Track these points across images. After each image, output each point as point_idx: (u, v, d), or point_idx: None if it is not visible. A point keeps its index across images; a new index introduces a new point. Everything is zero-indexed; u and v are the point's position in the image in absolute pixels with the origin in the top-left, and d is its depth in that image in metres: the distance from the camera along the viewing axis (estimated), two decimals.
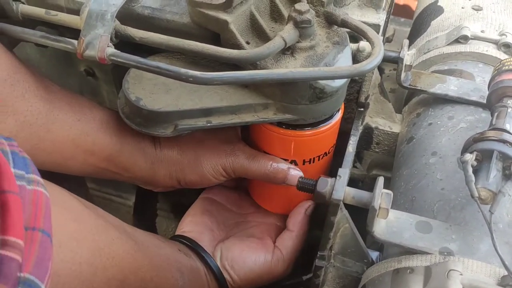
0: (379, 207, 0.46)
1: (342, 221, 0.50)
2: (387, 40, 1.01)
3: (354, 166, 0.83)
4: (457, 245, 0.48)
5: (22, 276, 0.30)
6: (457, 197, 0.53)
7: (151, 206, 0.99)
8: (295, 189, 0.60)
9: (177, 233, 0.67)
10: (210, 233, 0.67)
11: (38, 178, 0.35)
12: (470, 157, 0.47)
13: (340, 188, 0.46)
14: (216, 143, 0.62)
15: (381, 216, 0.47)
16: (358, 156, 0.84)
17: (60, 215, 0.40)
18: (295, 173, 0.60)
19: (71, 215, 0.44)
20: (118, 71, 0.67)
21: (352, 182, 0.81)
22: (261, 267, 0.64)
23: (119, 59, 0.51)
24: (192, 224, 0.67)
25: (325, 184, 0.47)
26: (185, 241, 0.64)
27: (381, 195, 0.46)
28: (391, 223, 0.49)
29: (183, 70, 0.49)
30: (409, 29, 0.99)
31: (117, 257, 0.48)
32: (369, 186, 0.83)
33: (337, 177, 0.47)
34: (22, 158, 0.35)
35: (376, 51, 0.52)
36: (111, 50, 0.51)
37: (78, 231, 0.44)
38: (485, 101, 0.62)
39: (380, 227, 0.48)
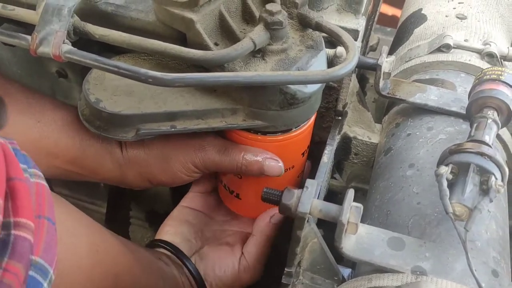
0: (348, 222, 0.43)
1: (310, 235, 0.47)
2: (371, 49, 0.99)
3: (333, 178, 0.80)
4: (430, 264, 0.44)
5: (33, 259, 0.32)
6: (433, 212, 0.50)
7: (123, 215, 0.96)
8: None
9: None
10: (187, 244, 0.65)
11: (39, 172, 0.37)
12: (445, 170, 0.44)
13: (306, 200, 0.43)
14: (183, 139, 0.58)
15: (350, 231, 0.44)
16: (338, 168, 0.81)
17: (57, 211, 0.40)
18: (273, 164, 0.57)
19: (68, 212, 0.46)
20: None
21: (331, 194, 0.79)
22: (230, 276, 0.63)
23: (75, 57, 0.48)
24: (170, 235, 0.65)
25: (291, 196, 0.44)
26: (167, 247, 0.63)
27: (350, 209, 0.43)
28: (361, 238, 0.46)
29: (142, 71, 0.46)
30: None
31: (112, 253, 0.50)
32: None
33: (304, 189, 0.43)
34: (23, 155, 0.37)
35: (350, 56, 0.49)
36: (67, 47, 0.48)
37: (75, 227, 0.46)
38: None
39: (349, 243, 0.45)
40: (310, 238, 0.47)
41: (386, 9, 1.48)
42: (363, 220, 0.55)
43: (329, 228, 0.58)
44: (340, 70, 0.48)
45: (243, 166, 0.57)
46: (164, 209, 0.97)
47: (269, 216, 0.63)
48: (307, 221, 0.46)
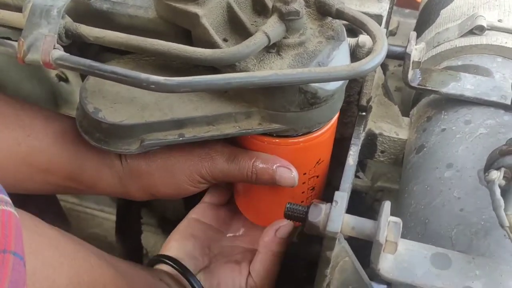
0: (386, 240, 0.37)
1: (341, 254, 0.42)
2: (391, 34, 0.92)
3: (356, 176, 0.75)
4: (482, 284, 0.39)
5: None
6: (479, 220, 0.44)
7: (134, 222, 0.91)
8: (286, 194, 0.52)
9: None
10: (193, 260, 0.59)
11: (5, 197, 0.33)
12: (497, 176, 0.38)
13: (337, 217, 0.37)
14: (188, 147, 0.52)
15: (388, 251, 0.38)
16: (361, 164, 0.75)
17: (32, 240, 0.37)
18: (286, 172, 0.51)
19: (46, 241, 0.41)
20: None
21: (355, 194, 0.73)
22: None
23: (67, 64, 0.42)
24: (175, 250, 0.60)
25: (318, 212, 0.38)
26: (170, 263, 0.58)
27: (387, 225, 0.37)
28: (400, 256, 0.40)
29: (143, 76, 0.41)
30: (414, 21, 0.90)
31: (98, 284, 0.44)
32: (374, 198, 0.74)
33: (333, 203, 0.38)
34: None
35: (378, 47, 0.43)
36: (58, 53, 0.43)
37: (55, 257, 0.40)
38: (507, 102, 0.53)
39: (388, 264, 0.39)
40: (341, 257, 0.42)
41: None
42: None
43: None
44: (368, 64, 0.42)
45: (253, 175, 0.51)
46: (175, 215, 0.92)
47: (275, 230, 0.57)
48: (338, 239, 0.40)
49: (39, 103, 0.92)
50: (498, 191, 0.37)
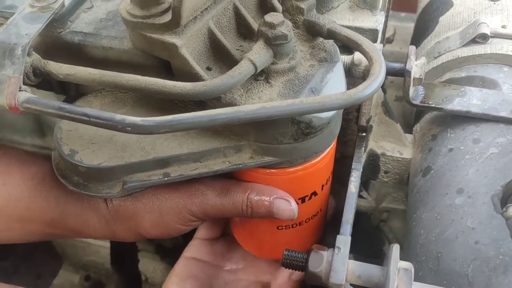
0: None
1: None
2: (388, 41, 0.88)
3: (360, 196, 0.70)
4: None
5: None
6: (497, 254, 0.40)
7: (129, 252, 0.87)
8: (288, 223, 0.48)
9: None
10: None
11: None
12: None
13: (340, 266, 0.33)
14: (175, 183, 0.48)
15: None
16: (364, 183, 0.71)
17: None
18: (284, 204, 0.47)
19: None
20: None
21: (359, 216, 0.69)
22: None
23: (35, 107, 0.38)
24: None
25: (319, 261, 0.34)
26: None
27: (397, 273, 0.33)
28: None
29: (118, 117, 0.37)
30: (412, 25, 0.86)
31: None
32: (380, 219, 0.70)
33: (336, 250, 0.34)
34: None
35: (375, 70, 0.39)
36: (25, 95, 0.39)
37: None
38: None
39: None
40: None
41: None
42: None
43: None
44: (365, 90, 0.38)
45: (249, 209, 0.47)
46: (172, 242, 0.88)
47: (289, 273, 0.53)
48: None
49: (24, 133, 0.89)
50: None
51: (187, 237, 0.63)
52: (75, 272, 1.05)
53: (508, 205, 0.34)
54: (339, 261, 0.34)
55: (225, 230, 0.60)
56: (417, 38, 0.67)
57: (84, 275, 1.04)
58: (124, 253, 0.84)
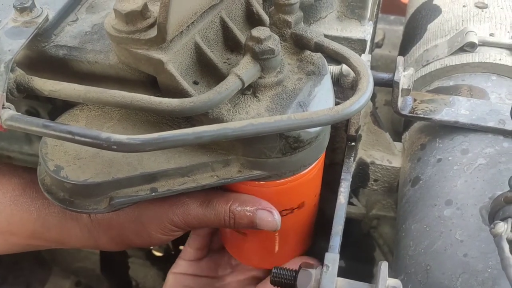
0: None
1: None
2: (377, 46, 0.88)
3: (350, 203, 0.71)
4: None
5: None
6: (485, 267, 0.40)
7: (119, 259, 0.87)
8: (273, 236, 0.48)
9: None
10: None
11: None
12: (504, 229, 0.34)
13: (329, 285, 0.33)
14: None
15: None
16: (354, 190, 0.71)
17: None
18: (267, 216, 0.46)
19: None
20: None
21: (350, 223, 0.69)
22: None
23: (18, 125, 0.38)
24: None
25: (307, 279, 0.34)
26: None
27: None
28: None
29: (104, 136, 0.36)
30: (400, 28, 0.86)
31: None
32: (370, 225, 0.70)
33: (324, 268, 0.34)
34: None
35: (363, 85, 0.39)
36: (8, 113, 0.38)
37: None
38: (506, 127, 0.49)
39: None
40: None
41: None
42: (396, 275, 0.45)
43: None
44: (353, 106, 0.38)
45: (231, 220, 0.47)
46: (163, 248, 0.88)
47: None
48: None
49: (11, 140, 0.88)
50: (507, 248, 0.33)
51: (177, 243, 0.63)
52: (66, 278, 1.04)
53: (495, 221, 0.34)
54: (328, 280, 0.34)
55: (205, 244, 0.60)
56: (406, 45, 0.67)
57: (75, 280, 1.03)
58: (114, 260, 0.84)
